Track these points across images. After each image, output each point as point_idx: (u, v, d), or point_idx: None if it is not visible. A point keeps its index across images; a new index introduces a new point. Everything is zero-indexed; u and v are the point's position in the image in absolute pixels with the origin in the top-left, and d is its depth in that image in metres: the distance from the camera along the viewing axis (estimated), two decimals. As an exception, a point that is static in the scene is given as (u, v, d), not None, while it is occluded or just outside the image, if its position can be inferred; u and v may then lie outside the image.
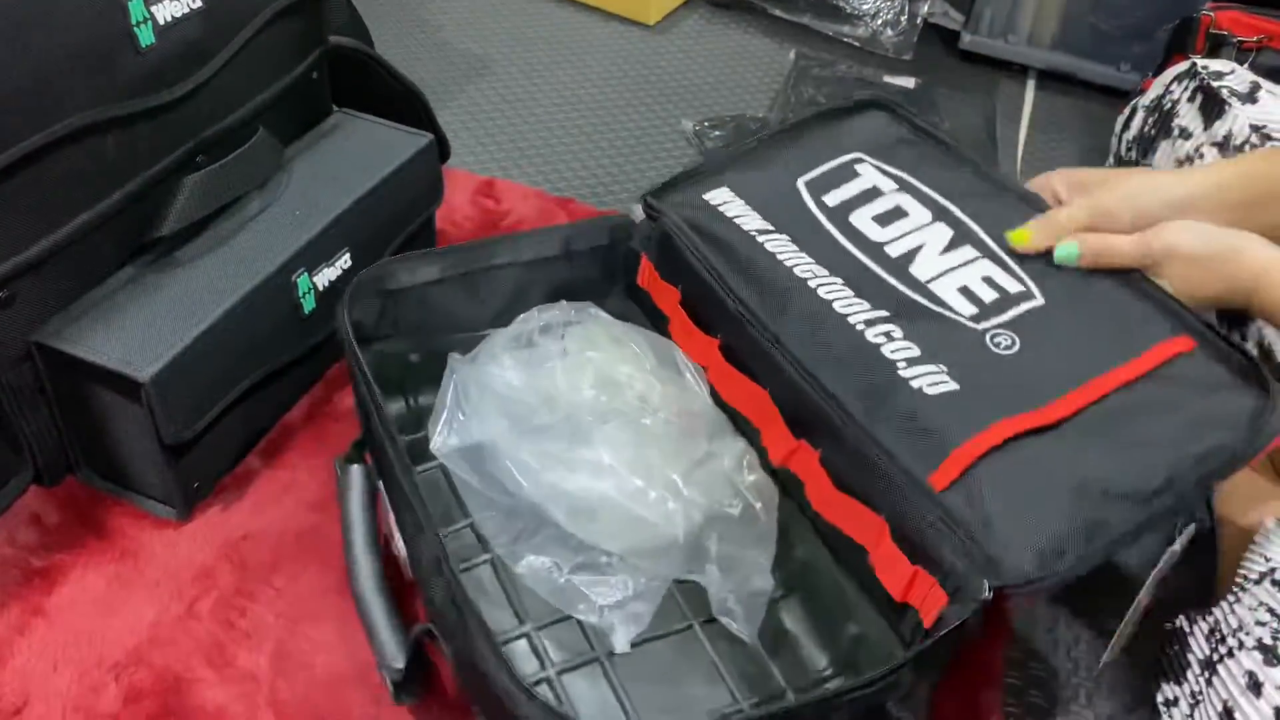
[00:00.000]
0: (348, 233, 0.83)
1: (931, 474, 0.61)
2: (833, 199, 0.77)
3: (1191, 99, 0.90)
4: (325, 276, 0.81)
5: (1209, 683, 0.67)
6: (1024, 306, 0.68)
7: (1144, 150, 0.92)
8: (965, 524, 0.59)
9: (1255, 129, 0.83)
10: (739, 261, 0.74)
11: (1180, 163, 0.87)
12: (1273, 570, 0.71)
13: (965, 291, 0.69)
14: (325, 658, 0.68)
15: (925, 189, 0.76)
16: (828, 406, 0.66)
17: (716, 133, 1.24)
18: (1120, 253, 0.66)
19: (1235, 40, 1.21)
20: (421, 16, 1.48)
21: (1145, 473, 0.59)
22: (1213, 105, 0.87)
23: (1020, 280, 0.69)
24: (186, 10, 0.72)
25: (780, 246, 0.74)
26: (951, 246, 0.72)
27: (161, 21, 0.71)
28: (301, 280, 0.79)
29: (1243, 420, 0.60)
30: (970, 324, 0.68)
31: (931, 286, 0.70)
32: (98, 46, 0.67)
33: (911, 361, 0.66)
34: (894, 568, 0.63)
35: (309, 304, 0.80)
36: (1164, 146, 0.90)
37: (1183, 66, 0.92)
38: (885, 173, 0.78)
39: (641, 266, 0.82)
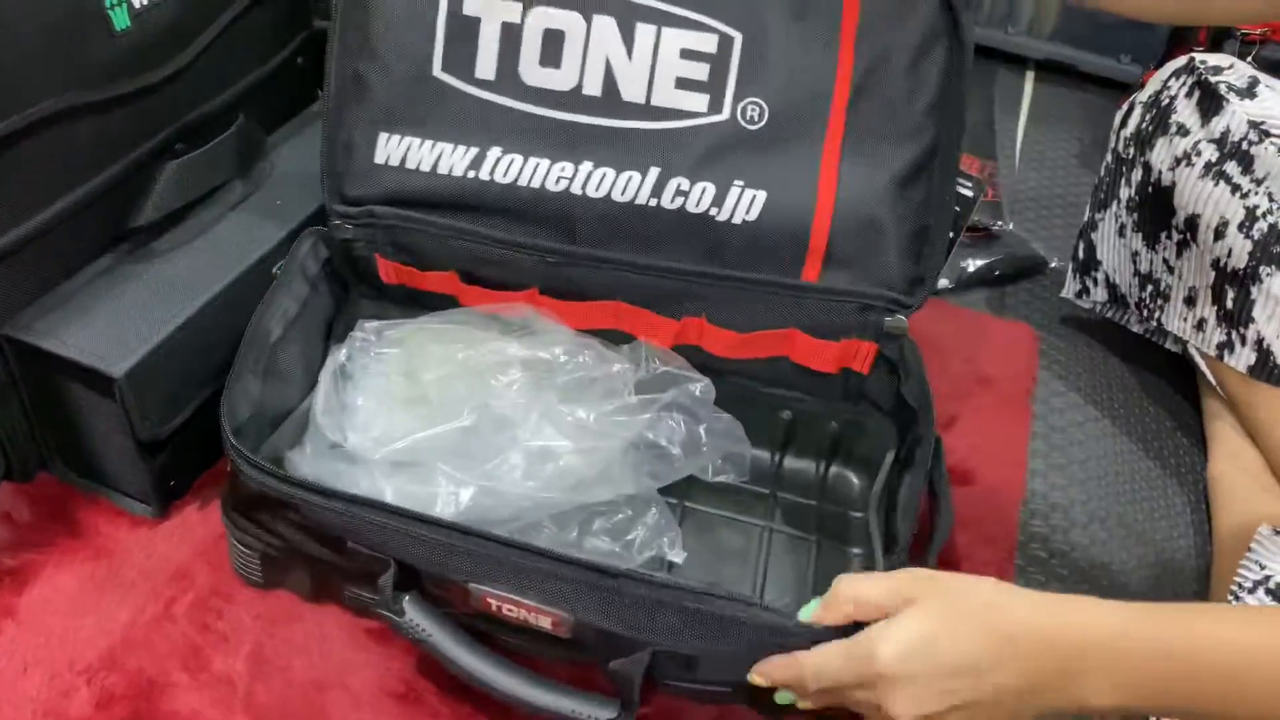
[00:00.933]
0: (331, 223, 0.81)
1: (803, 273, 0.71)
2: (483, 68, 0.71)
3: (1189, 94, 0.88)
4: (308, 268, 0.79)
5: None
6: (734, 55, 0.69)
7: (1141, 147, 0.90)
8: (851, 291, 0.71)
9: (1254, 125, 0.81)
10: (495, 211, 0.72)
11: (1178, 160, 0.86)
12: (1267, 578, 0.70)
13: (683, 83, 0.69)
14: (303, 661, 0.67)
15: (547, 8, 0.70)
16: (688, 283, 0.72)
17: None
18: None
19: (1239, 33, 1.19)
20: None
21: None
22: (1210, 101, 0.85)
23: (710, 28, 0.68)
24: (164, -8, 0.70)
25: (502, 165, 0.71)
26: (628, 37, 0.69)
27: (137, 5, 0.68)
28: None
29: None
30: (715, 118, 0.70)
31: (654, 102, 0.70)
32: (70, 30, 0.64)
33: (714, 201, 0.70)
34: (818, 352, 0.74)
35: (290, 296, 0.78)
36: (1161, 143, 0.88)
37: (1180, 61, 0.91)
38: None
39: (382, 266, 0.77)
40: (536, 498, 0.67)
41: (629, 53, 0.69)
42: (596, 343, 0.74)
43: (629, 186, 0.71)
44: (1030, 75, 1.41)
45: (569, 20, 0.69)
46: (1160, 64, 1.20)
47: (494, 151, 0.71)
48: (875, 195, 0.70)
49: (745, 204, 0.70)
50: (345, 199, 0.74)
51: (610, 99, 0.70)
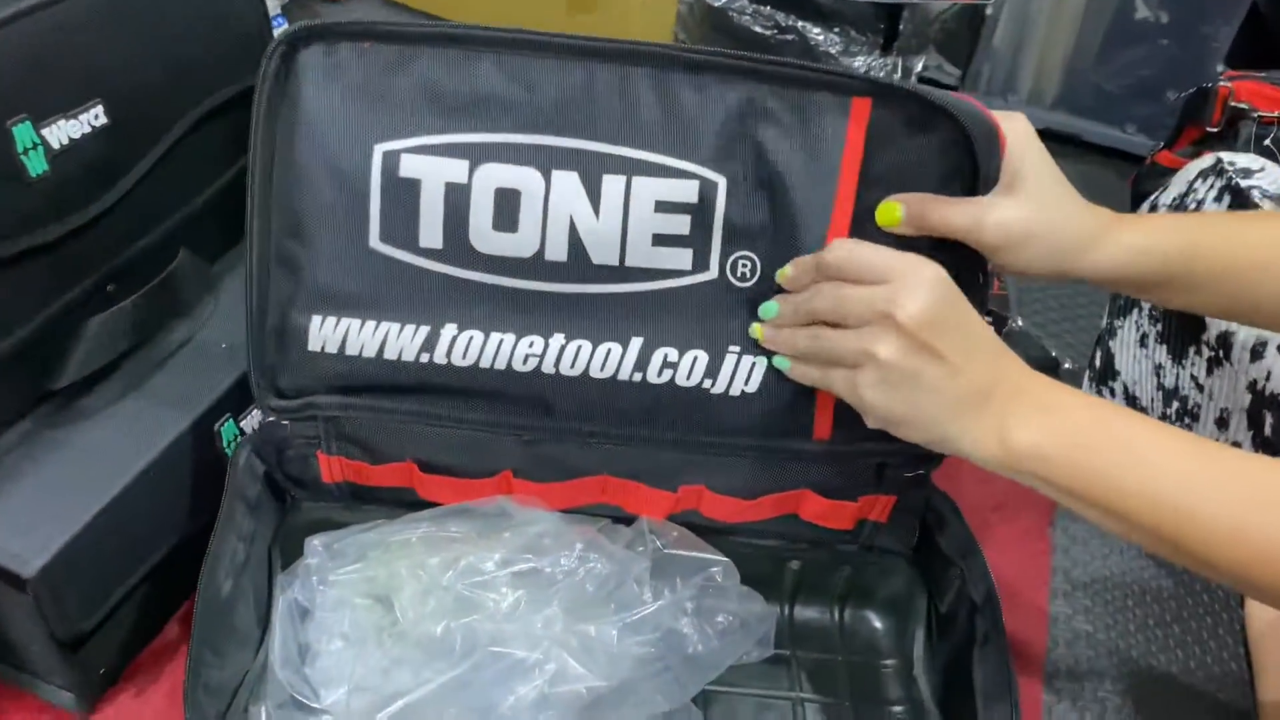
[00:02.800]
0: (283, 364, 0.73)
1: (814, 433, 0.65)
2: (427, 237, 0.61)
3: (1219, 199, 0.81)
4: (254, 420, 0.71)
5: None
6: (719, 204, 0.61)
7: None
8: (869, 451, 0.65)
9: (1291, 235, 0.75)
10: (457, 393, 0.65)
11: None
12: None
13: (662, 240, 0.61)
14: None
15: (500, 138, 0.60)
16: (685, 454, 0.66)
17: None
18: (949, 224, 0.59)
19: (1255, 114, 1.13)
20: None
21: None
22: (1242, 207, 0.79)
23: (684, 173, 0.60)
24: (88, 129, 0.63)
25: (460, 345, 0.63)
26: (593, 192, 0.60)
27: (56, 146, 0.61)
28: (226, 428, 0.69)
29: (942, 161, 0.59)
30: (701, 276, 0.63)
31: (630, 262, 0.62)
32: (-27, 186, 0.57)
33: (707, 372, 0.64)
34: (833, 512, 0.69)
35: (236, 454, 0.70)
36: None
37: (1207, 162, 0.84)
38: (439, 150, 0.60)
39: (324, 465, 0.68)
40: None
41: (595, 210, 0.61)
42: (594, 531, 0.67)
43: (608, 361, 0.63)
44: (1032, 146, 1.34)
45: (523, 178, 0.60)
46: (1172, 143, 1.13)
47: (448, 330, 0.63)
48: None
49: (744, 373, 0.63)
50: (280, 392, 0.65)
51: (578, 263, 0.62)
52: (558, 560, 0.65)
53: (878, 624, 0.73)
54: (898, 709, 0.68)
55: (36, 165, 0.60)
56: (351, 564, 0.66)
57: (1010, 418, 0.54)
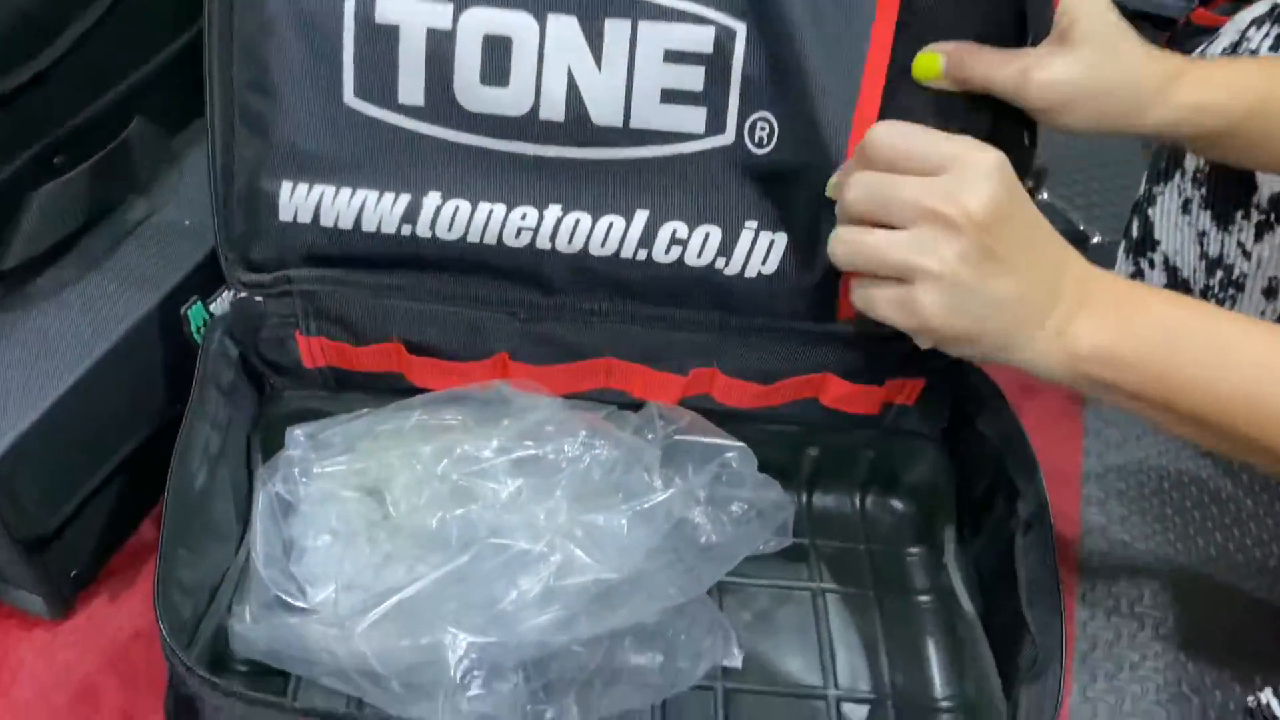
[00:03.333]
0: (254, 243, 0.67)
1: (838, 313, 0.59)
2: (408, 92, 0.55)
3: (1275, 47, 0.74)
4: (225, 303, 0.65)
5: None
6: (737, 56, 0.53)
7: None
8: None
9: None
10: (444, 268, 0.58)
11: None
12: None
13: (672, 96, 0.54)
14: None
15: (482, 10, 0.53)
16: (695, 334, 0.60)
17: None
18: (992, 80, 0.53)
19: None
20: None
21: None
22: (1302, 55, 0.72)
23: (698, 18, 0.53)
24: (18, -26, 0.56)
25: (445, 216, 0.56)
26: (594, 38, 0.53)
27: (-19, -7, 0.54)
28: (194, 311, 0.64)
29: None
30: (716, 140, 0.55)
31: (635, 123, 0.55)
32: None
33: (720, 249, 0.57)
34: (858, 397, 0.63)
35: (206, 340, 0.65)
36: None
37: (1261, 8, 0.77)
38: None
39: (304, 347, 0.62)
40: (558, 639, 0.55)
41: (597, 61, 0.53)
42: (599, 417, 0.61)
43: (610, 237, 0.57)
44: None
45: (515, 23, 0.53)
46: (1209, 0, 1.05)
47: (432, 198, 0.56)
48: None
49: (761, 252, 0.57)
50: (251, 265, 0.59)
51: (577, 123, 0.54)
52: (561, 447, 0.60)
53: (903, 511, 0.68)
54: (925, 598, 0.64)
55: (-41, 14, 0.53)
56: (338, 455, 0.61)
57: (1077, 322, 0.49)
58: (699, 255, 0.57)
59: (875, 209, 0.49)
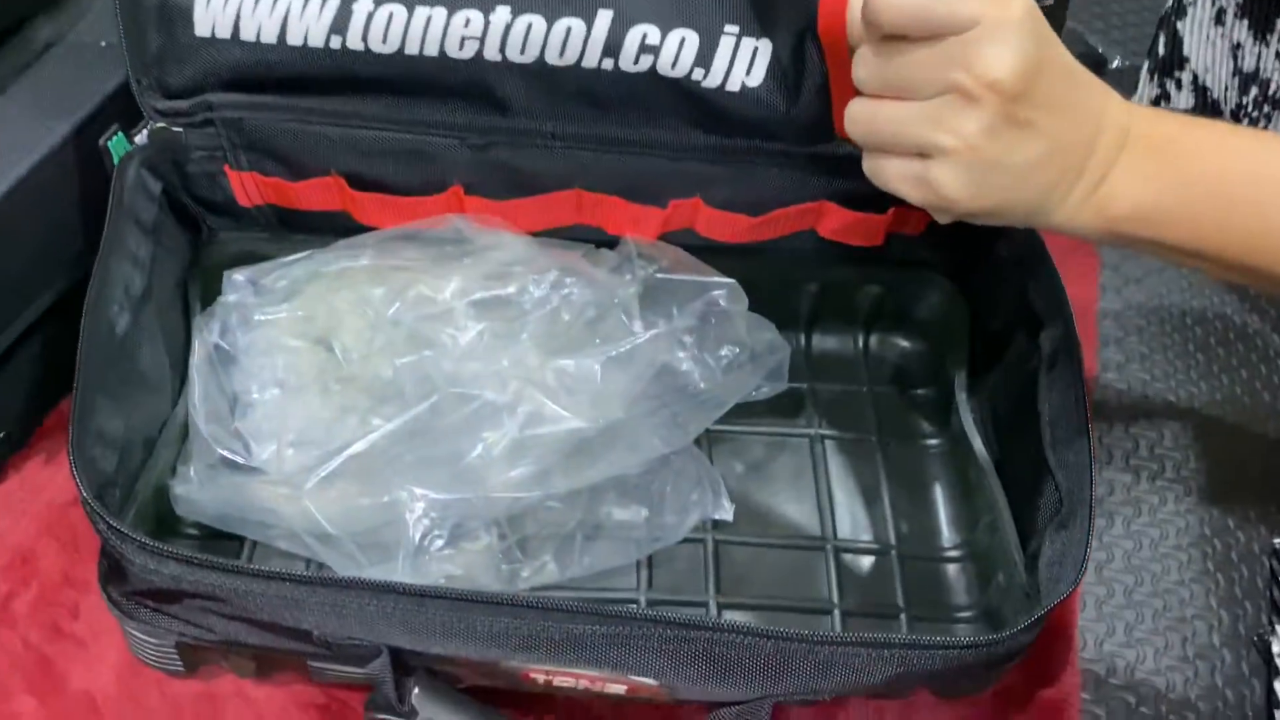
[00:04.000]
0: (180, 67, 0.60)
1: (836, 129, 0.50)
2: None
3: None
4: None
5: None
6: None
7: None
8: None
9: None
10: (383, 87, 0.52)
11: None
12: None
13: None
14: (191, 666, 0.51)
15: None
16: (674, 159, 0.54)
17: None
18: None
19: None
20: None
21: None
22: None
23: None
24: None
25: (378, 24, 0.50)
26: None
27: None
28: (115, 142, 0.57)
29: None
30: None
31: None
32: None
33: (697, 59, 0.50)
34: (858, 227, 0.58)
35: (130, 174, 0.58)
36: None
37: None
38: None
39: (235, 183, 0.57)
40: (531, 495, 0.50)
41: None
42: (570, 254, 0.56)
43: (569, 43, 0.50)
44: None
45: None
46: None
47: (362, 4, 0.49)
48: None
49: (744, 60, 0.50)
50: (168, 91, 0.53)
51: None
52: (527, 288, 0.55)
53: (911, 349, 0.63)
54: (933, 442, 0.60)
55: None
56: (281, 300, 0.56)
57: (1114, 176, 0.44)
58: (673, 65, 0.50)
59: (888, 87, 0.43)
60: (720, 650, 0.41)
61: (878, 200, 0.55)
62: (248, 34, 0.50)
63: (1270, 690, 0.54)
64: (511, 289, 0.55)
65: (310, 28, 0.50)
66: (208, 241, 0.59)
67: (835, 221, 0.58)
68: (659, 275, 0.58)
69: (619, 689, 0.45)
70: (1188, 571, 0.59)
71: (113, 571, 0.45)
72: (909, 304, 0.62)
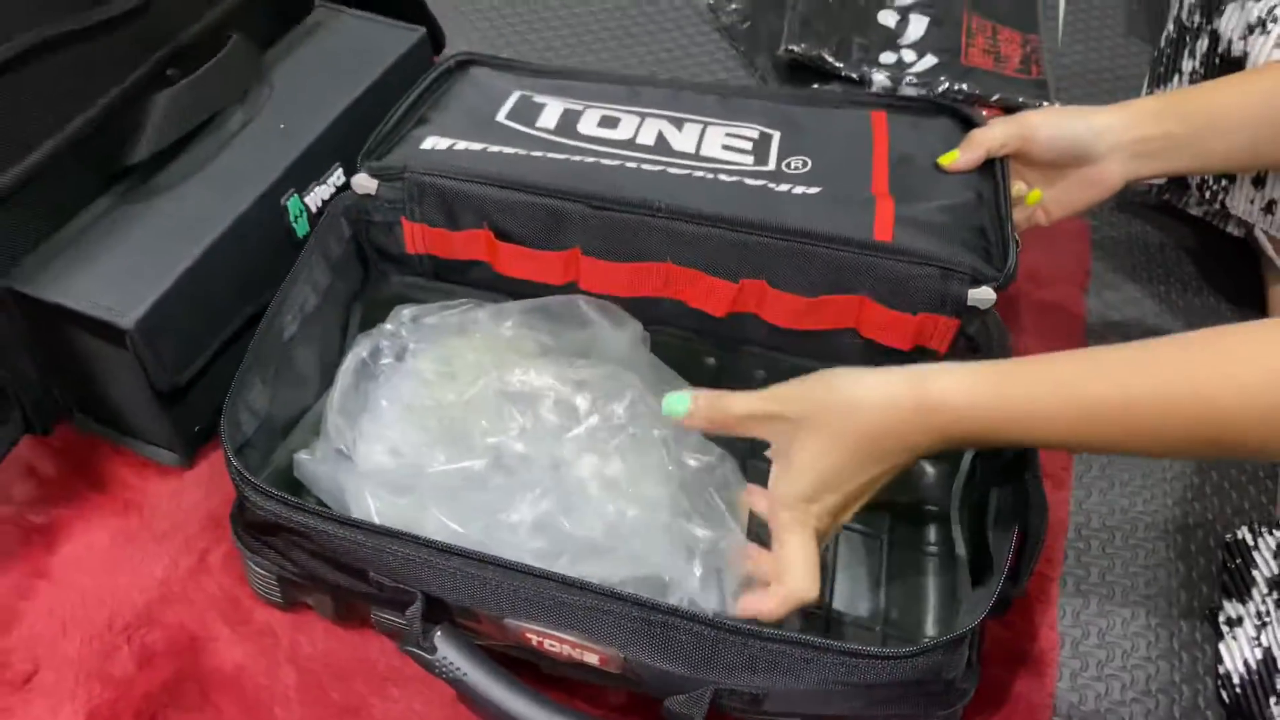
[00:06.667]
0: (339, 145, 0.76)
1: (875, 233, 0.65)
2: (547, 120, 0.75)
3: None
4: (318, 196, 0.75)
5: (1279, 604, 0.63)
6: (775, 139, 0.74)
7: (1209, 14, 0.83)
8: (931, 255, 0.63)
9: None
10: (545, 168, 0.68)
11: (1251, 27, 0.79)
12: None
13: (728, 148, 0.73)
14: (345, 608, 0.65)
15: (603, 106, 0.76)
16: (747, 237, 0.65)
17: (734, 6, 1.15)
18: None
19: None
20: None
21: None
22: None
23: (749, 132, 0.75)
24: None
25: (555, 153, 0.71)
26: (678, 127, 0.74)
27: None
28: (292, 202, 0.73)
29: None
30: (758, 168, 0.71)
31: (704, 151, 0.72)
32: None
33: (781, 177, 0.70)
34: (893, 326, 0.66)
35: (302, 228, 0.74)
36: (1232, 9, 0.81)
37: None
38: (560, 94, 0.78)
39: (408, 232, 0.70)
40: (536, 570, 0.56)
41: (676, 130, 0.74)
42: (641, 386, 0.65)
43: (696, 166, 0.72)
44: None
45: (622, 111, 0.76)
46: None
47: (557, 145, 0.72)
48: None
49: (799, 187, 0.70)
50: (380, 160, 0.69)
51: (661, 146, 0.73)
52: (600, 402, 0.64)
53: (929, 468, 0.71)
54: (932, 550, 0.68)
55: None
56: (431, 340, 0.67)
57: (915, 452, 0.55)
58: (776, 182, 0.70)
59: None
60: (671, 633, 0.51)
61: (909, 302, 0.65)
62: (460, 148, 0.70)
63: (1218, 652, 0.65)
64: (583, 403, 0.64)
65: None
66: (374, 280, 0.74)
67: (873, 317, 0.66)
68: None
69: (593, 658, 0.54)
70: (1153, 558, 0.71)
71: (238, 510, 0.60)
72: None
